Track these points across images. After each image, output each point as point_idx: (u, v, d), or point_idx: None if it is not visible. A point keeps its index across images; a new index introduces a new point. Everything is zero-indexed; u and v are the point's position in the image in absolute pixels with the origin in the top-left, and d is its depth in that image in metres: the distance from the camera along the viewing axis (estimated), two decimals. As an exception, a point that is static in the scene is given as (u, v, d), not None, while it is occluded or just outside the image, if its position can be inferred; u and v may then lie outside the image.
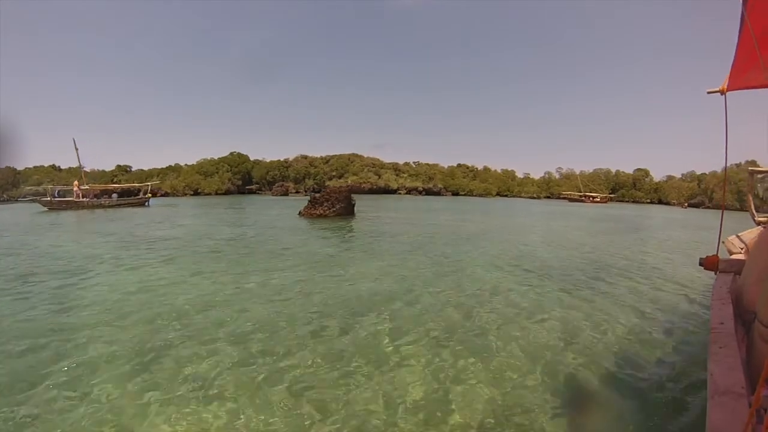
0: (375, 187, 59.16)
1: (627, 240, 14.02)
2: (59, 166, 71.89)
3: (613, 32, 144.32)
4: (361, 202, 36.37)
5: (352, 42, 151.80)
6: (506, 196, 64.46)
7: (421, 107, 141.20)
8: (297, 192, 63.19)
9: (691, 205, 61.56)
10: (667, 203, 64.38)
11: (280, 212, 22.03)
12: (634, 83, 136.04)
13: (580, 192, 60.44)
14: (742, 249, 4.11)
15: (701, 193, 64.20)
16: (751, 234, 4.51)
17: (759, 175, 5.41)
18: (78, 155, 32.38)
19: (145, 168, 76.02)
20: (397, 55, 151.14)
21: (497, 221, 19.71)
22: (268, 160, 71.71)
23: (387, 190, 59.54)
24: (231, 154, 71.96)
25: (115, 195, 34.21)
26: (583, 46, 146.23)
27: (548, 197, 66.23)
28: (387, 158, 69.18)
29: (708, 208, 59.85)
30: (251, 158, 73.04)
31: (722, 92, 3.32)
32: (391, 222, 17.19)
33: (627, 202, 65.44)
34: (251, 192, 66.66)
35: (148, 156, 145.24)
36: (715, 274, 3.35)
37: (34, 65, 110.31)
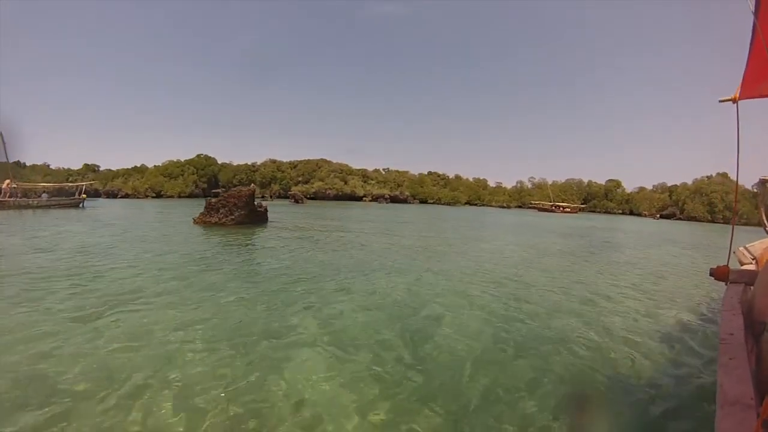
0: (341, 193, 57.53)
1: (597, 268, 10.06)
2: (24, 163, 69.46)
3: (590, 39, 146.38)
4: (304, 209, 34.25)
5: (330, 47, 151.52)
6: (476, 204, 63.38)
7: (397, 114, 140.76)
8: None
9: (662, 216, 61.39)
10: (639, 214, 64.16)
11: (185, 219, 20.10)
12: (608, 94, 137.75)
13: (551, 202, 59.77)
14: (752, 260, 4.07)
15: (672, 204, 64.18)
16: (763, 245, 4.40)
17: None
18: (5, 150, 30.37)
19: (114, 168, 74.37)
20: (375, 59, 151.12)
21: (439, 237, 16.76)
22: (235, 164, 69.87)
23: (353, 197, 57.92)
24: (198, 156, 69.78)
25: (45, 195, 32.34)
26: (564, 55, 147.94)
27: (520, 207, 65.43)
28: (360, 164, 68.22)
29: (679, 219, 59.71)
30: (219, 161, 71.22)
31: (734, 101, 3.30)
32: (302, 237, 14.61)
33: (599, 212, 65.04)
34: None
35: (121, 156, 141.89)
36: (726, 284, 3.29)
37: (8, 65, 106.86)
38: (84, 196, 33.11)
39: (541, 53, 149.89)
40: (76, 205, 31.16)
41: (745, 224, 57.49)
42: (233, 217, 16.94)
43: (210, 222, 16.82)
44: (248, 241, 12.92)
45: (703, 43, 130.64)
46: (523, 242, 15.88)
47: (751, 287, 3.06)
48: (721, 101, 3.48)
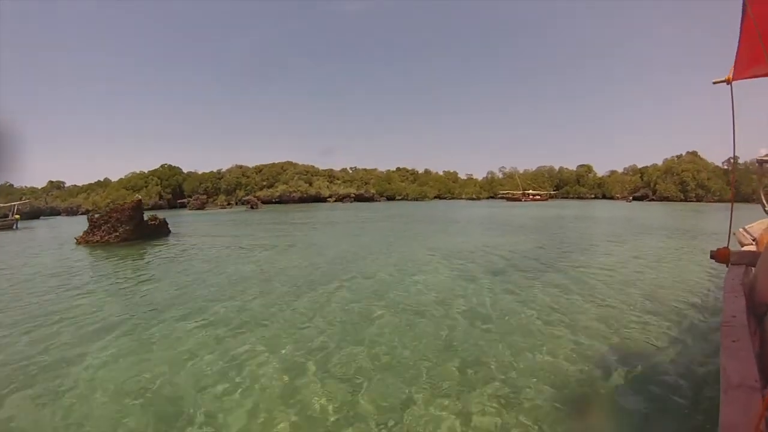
0: (306, 195, 56.21)
1: (545, 292, 6.53)
2: (-12, 183, 67.47)
3: (559, 31, 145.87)
4: (250, 216, 32.38)
5: (302, 44, 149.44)
6: (446, 198, 62.42)
7: (369, 112, 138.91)
8: (228, 204, 59.72)
9: (635, 199, 60.99)
10: (611, 197, 63.79)
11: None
12: (579, 82, 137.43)
13: (521, 190, 59.06)
14: (753, 241, 4.06)
15: (644, 186, 63.84)
16: (762, 225, 4.45)
17: None
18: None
19: (79, 184, 73.05)
20: (346, 57, 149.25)
21: (356, 246, 13.95)
22: (200, 172, 68.13)
23: (318, 199, 56.63)
24: (162, 166, 68.02)
25: (-25, 219, 30.81)
26: (532, 49, 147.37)
27: (491, 197, 64.62)
28: (337, 165, 66.74)
29: (652, 200, 59.30)
30: (185, 170, 69.46)
31: (728, 82, 3.32)
32: (185, 257, 12.14)
33: (571, 198, 64.48)
34: (182, 206, 62.77)
35: (91, 171, 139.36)
36: (727, 266, 3.26)
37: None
38: (17, 216, 31.76)
39: (520, 44, 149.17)
40: (9, 227, 29.72)
41: (719, 201, 57.48)
42: (117, 233, 15.62)
43: (92, 241, 15.48)
44: (99, 266, 11.40)
45: (678, 24, 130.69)
46: (466, 247, 12.31)
47: (753, 268, 3.03)
48: (714, 83, 3.47)
